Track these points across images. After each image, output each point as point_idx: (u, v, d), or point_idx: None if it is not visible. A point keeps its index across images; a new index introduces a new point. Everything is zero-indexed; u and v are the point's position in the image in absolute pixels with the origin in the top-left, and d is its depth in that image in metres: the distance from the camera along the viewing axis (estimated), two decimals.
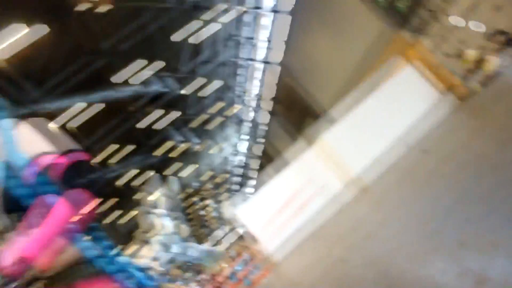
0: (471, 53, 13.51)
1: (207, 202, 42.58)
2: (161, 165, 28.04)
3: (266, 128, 32.73)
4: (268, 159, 37.64)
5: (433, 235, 3.23)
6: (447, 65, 15.31)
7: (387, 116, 15.87)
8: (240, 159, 39.10)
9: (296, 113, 27.55)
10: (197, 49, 19.84)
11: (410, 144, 15.18)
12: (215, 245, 63.74)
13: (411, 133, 15.47)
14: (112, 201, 24.37)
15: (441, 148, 9.21)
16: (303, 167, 16.76)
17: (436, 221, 3.57)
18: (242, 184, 49.25)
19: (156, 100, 20.57)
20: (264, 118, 31.61)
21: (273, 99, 28.60)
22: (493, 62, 13.20)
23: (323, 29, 21.15)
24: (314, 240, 12.81)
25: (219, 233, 64.38)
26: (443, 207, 4.36)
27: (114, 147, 20.97)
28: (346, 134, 15.96)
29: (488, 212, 2.86)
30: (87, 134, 18.09)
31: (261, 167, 42.28)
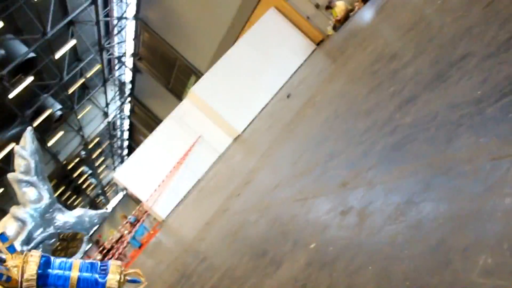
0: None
1: (85, 168, 40.97)
2: (39, 138, 26.09)
3: (140, 84, 31.87)
4: (147, 116, 36.89)
5: (317, 179, 3.50)
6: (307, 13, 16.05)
7: (252, 63, 16.32)
8: (117, 119, 37.94)
9: (170, 68, 27.09)
10: (45, 7, 18.30)
11: (276, 90, 15.88)
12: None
13: (278, 79, 16.15)
14: None
15: (303, 92, 9.73)
16: (177, 122, 16.80)
17: (317, 165, 3.87)
18: (123, 144, 48.10)
19: (24, 67, 18.81)
20: (136, 74, 30.71)
21: (134, 55, 27.73)
22: (341, 7, 14.07)
23: None
24: (198, 193, 13.07)
25: (101, 198, 62.72)
26: (312, 149, 4.72)
27: None
28: (217, 84, 16.15)
29: (362, 152, 3.16)
30: None
31: (141, 125, 41.41)
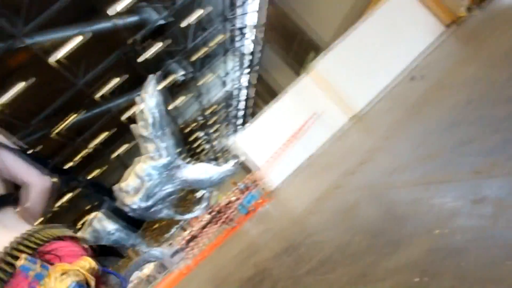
0: None
1: (201, 133, 42.97)
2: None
3: (259, 56, 32.42)
4: (263, 88, 37.58)
5: (444, 164, 3.33)
6: None
7: (379, 43, 15.75)
8: (235, 88, 39.08)
9: (290, 42, 27.16)
10: None
11: (399, 70, 15.22)
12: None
13: (402, 60, 15.46)
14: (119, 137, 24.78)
15: (432, 75, 9.23)
16: (298, 95, 16.83)
17: (444, 150, 3.67)
18: (238, 114, 49.62)
19: (153, 33, 20.10)
20: (257, 46, 31.23)
21: (265, 25, 28.03)
22: None
23: None
24: (310, 168, 13.11)
25: (219, 164, 65.28)
26: (439, 134, 4.48)
27: (115, 81, 20.88)
28: (340, 62, 15.85)
29: (503, 141, 2.95)
30: (87, 68, 17.86)
31: (257, 96, 42.30)
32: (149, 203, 1.85)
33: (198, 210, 2.37)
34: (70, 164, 24.04)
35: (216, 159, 64.27)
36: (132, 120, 2.01)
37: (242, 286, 5.42)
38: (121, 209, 1.81)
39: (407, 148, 4.90)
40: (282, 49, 28.11)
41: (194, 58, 26.50)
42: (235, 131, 53.68)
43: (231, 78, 33.53)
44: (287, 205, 10.42)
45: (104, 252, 1.76)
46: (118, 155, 27.39)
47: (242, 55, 32.60)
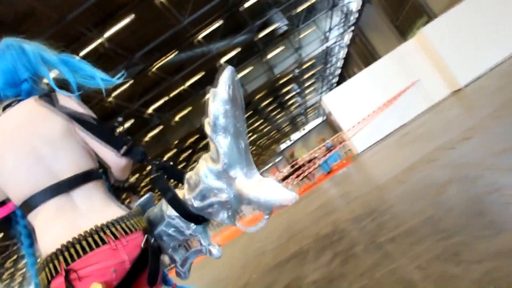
0: None
1: (294, 86, 42.85)
2: (261, 49, 28.18)
3: (358, 15, 31.30)
4: (358, 48, 36.44)
5: None
6: None
7: (495, 17, 14.55)
8: (336, 45, 38.29)
9: (400, 5, 25.86)
10: None
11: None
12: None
13: None
14: None
15: None
16: (401, 60, 16.17)
17: None
18: (335, 72, 48.85)
19: None
20: (356, 4, 30.12)
21: None
22: None
23: None
24: (399, 137, 12.66)
25: (301, 118, 65.56)
26: None
27: (216, 24, 21.17)
28: (450, 31, 14.87)
29: None
30: (191, 10, 18.25)
31: (349, 56, 41.18)
32: (204, 203, 1.68)
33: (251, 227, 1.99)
34: (161, 102, 25.03)
35: (305, 114, 64.16)
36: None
37: (318, 241, 5.43)
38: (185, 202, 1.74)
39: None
40: (391, 11, 26.76)
41: (299, 9, 26.04)
42: (330, 89, 53.00)
43: (334, 34, 32.68)
44: (372, 170, 10.19)
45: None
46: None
47: (349, 12, 31.57)
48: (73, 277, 1.44)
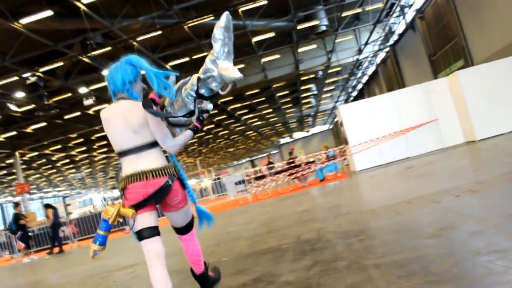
0: None
1: (313, 87, 42.61)
2: (294, 41, 27.82)
3: (398, 38, 31.08)
4: (387, 70, 36.15)
5: None
6: None
7: None
8: (367, 61, 38.16)
9: (436, 38, 25.59)
10: None
11: None
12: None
13: None
14: None
15: None
16: (423, 94, 16.09)
17: None
18: (357, 86, 48.64)
19: None
20: (400, 27, 29.88)
21: (418, 11, 26.50)
22: None
23: None
24: (403, 168, 12.55)
25: (309, 119, 65.33)
26: None
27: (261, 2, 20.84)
28: (480, 81, 14.78)
29: None
30: None
31: (375, 74, 40.86)
32: (205, 75, 3.19)
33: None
34: (181, 61, 24.65)
35: (314, 117, 63.91)
36: None
37: (300, 243, 5.35)
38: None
39: None
40: (432, 44, 26.49)
41: (344, 14, 25.76)
42: (346, 100, 52.71)
43: (368, 49, 32.39)
44: (368, 192, 10.11)
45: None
46: None
47: (390, 32, 31.29)
48: (125, 192, 3.12)
